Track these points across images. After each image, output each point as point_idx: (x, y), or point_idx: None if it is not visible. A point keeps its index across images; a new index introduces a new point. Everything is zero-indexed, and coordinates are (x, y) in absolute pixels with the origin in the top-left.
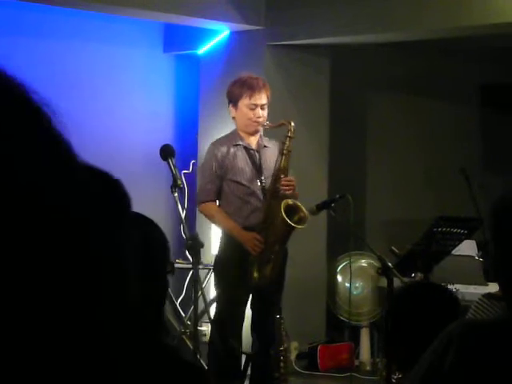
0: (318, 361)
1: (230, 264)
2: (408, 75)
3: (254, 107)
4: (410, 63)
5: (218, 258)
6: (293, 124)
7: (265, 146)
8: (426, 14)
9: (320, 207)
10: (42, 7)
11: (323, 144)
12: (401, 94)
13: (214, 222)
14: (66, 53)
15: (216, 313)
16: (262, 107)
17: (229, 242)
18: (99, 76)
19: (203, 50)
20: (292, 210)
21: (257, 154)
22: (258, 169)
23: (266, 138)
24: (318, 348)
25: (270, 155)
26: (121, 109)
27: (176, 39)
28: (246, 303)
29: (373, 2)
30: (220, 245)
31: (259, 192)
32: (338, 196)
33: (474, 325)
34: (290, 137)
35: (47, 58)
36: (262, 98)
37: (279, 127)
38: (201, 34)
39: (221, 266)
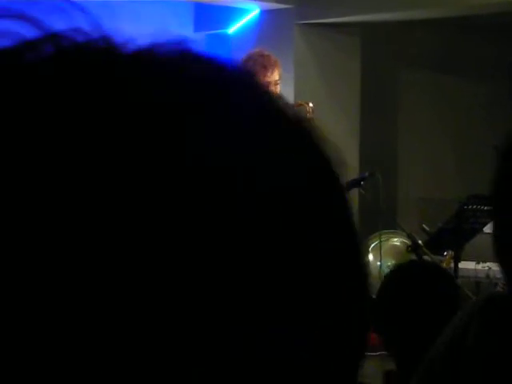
0: None
1: None
2: (439, 54)
3: (267, 84)
4: (440, 41)
5: None
6: (311, 105)
7: None
8: None
9: (350, 185)
10: None
11: (354, 123)
12: (431, 72)
13: None
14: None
15: None
16: (275, 84)
17: None
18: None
19: (233, 29)
20: None
21: None
22: None
23: None
24: None
25: None
26: None
27: (206, 18)
28: None
29: None
30: None
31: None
32: (367, 174)
33: (497, 297)
34: (308, 118)
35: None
36: (275, 76)
37: (297, 107)
38: (231, 13)
39: None
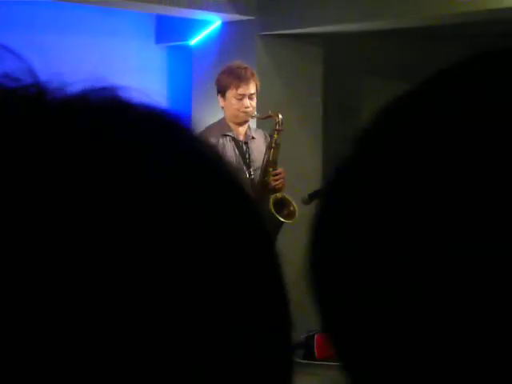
0: (315, 350)
1: None
2: (403, 63)
3: (241, 98)
4: (405, 51)
5: None
6: (280, 116)
7: (252, 138)
8: (419, 1)
9: (313, 196)
10: (34, 1)
11: (317, 134)
12: (396, 82)
13: None
14: (59, 45)
15: None
16: (250, 97)
17: None
18: (92, 67)
19: (195, 40)
20: (281, 204)
21: (245, 146)
22: (246, 161)
23: (254, 128)
24: (315, 337)
25: (258, 147)
26: None
27: (168, 30)
28: None
29: None
30: None
31: (247, 184)
32: None
33: None
34: (278, 130)
35: (40, 51)
36: (250, 88)
37: (267, 119)
38: (192, 25)
39: None
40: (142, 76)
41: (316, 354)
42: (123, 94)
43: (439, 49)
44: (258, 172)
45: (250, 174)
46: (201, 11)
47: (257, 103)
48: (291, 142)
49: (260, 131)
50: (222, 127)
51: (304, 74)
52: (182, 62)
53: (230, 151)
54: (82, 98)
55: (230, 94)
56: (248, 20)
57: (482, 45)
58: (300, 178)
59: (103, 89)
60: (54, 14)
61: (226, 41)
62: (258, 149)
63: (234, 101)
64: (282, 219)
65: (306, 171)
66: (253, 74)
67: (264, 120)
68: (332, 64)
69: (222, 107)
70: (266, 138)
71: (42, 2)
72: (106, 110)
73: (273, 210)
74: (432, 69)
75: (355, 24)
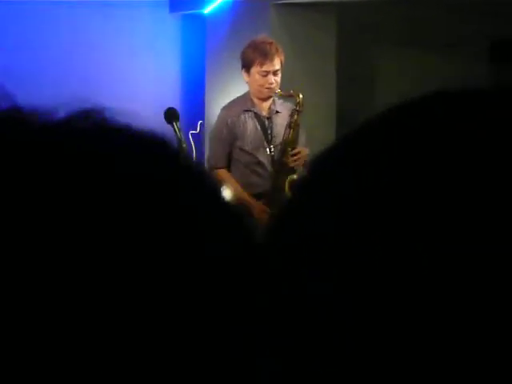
0: None
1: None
2: (416, 31)
3: (265, 74)
4: (417, 19)
5: None
6: (301, 96)
7: (277, 112)
8: None
9: None
10: None
11: (330, 103)
12: (408, 50)
13: (226, 188)
14: (74, 15)
15: None
16: (274, 73)
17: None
18: (105, 37)
19: (209, 9)
20: None
21: (267, 122)
22: (267, 137)
23: (280, 101)
24: None
25: (282, 120)
26: (128, 69)
27: None
28: None
29: None
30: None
31: (267, 161)
32: None
33: None
34: (298, 110)
35: (57, 20)
36: (275, 65)
37: (288, 97)
38: None
39: None
40: (156, 45)
41: None
42: (109, 117)
43: (451, 18)
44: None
45: (270, 151)
46: None
47: None
48: (305, 111)
49: (287, 104)
50: (245, 102)
51: (317, 43)
52: (196, 30)
53: (250, 127)
54: (67, 124)
55: (255, 70)
56: None
57: (494, 14)
58: (313, 149)
59: (90, 112)
60: None
61: (240, 9)
62: (282, 123)
63: (258, 77)
64: None
65: (319, 142)
66: (277, 50)
67: (286, 98)
68: (345, 33)
69: (247, 82)
70: (292, 110)
71: None
72: (90, 136)
73: (289, 194)
74: (447, 38)
75: None
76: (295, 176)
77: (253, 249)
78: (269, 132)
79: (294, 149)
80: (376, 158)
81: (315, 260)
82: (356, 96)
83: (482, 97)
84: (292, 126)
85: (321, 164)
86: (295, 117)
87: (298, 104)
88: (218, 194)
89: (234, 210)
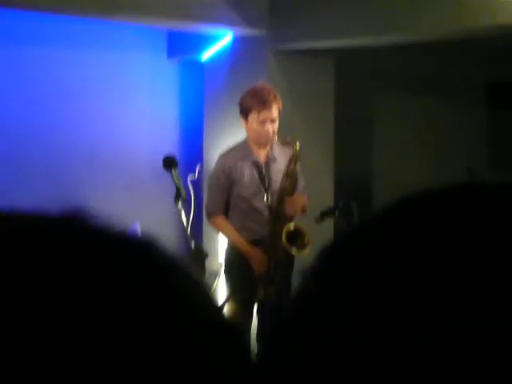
0: None
1: (239, 263)
2: (413, 76)
3: (263, 121)
4: (414, 63)
5: (226, 261)
6: (298, 144)
7: (274, 158)
8: (428, 16)
9: (324, 215)
10: (45, 16)
11: (329, 148)
12: (406, 94)
13: (223, 235)
14: (70, 60)
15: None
16: (272, 121)
17: (237, 252)
18: (104, 82)
19: (207, 55)
20: (296, 234)
21: (264, 169)
22: (264, 184)
23: (278, 145)
24: None
25: (279, 168)
26: (126, 115)
27: (180, 45)
28: (253, 304)
29: (375, 3)
30: (227, 251)
31: (264, 208)
32: (342, 203)
33: None
34: (295, 158)
35: (52, 66)
36: (273, 112)
37: (285, 145)
38: (204, 40)
39: (229, 267)
40: (153, 90)
41: None
42: (92, 219)
43: (447, 62)
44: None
45: (267, 198)
46: (212, 26)
47: None
48: (303, 157)
49: (285, 149)
50: (243, 149)
51: (315, 89)
52: (194, 76)
53: (247, 174)
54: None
55: (253, 117)
56: (259, 35)
57: (489, 58)
58: (312, 193)
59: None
60: (65, 28)
61: (238, 55)
62: (280, 169)
63: (255, 124)
64: (294, 253)
65: (318, 186)
66: (275, 97)
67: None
68: (343, 78)
69: (245, 128)
70: (290, 156)
71: (51, 17)
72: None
73: (285, 243)
74: (444, 82)
75: (365, 38)
76: (292, 224)
77: (249, 368)
78: (266, 179)
79: (291, 197)
80: (377, 254)
81: (316, 358)
82: (354, 141)
83: (484, 194)
84: (289, 174)
85: (324, 259)
86: (292, 165)
87: (294, 152)
88: (210, 311)
89: (227, 326)
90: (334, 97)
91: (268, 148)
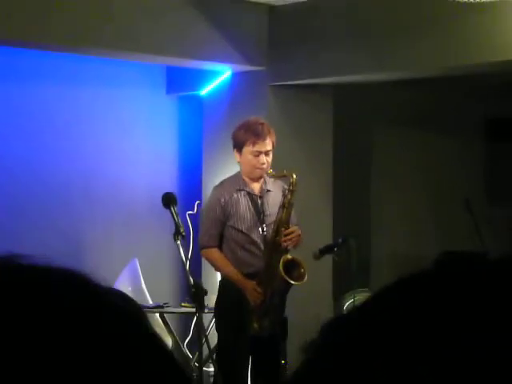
0: None
1: (231, 308)
2: (412, 111)
3: (258, 154)
4: (413, 99)
5: (218, 302)
6: (295, 176)
7: (268, 191)
8: (428, 52)
9: (323, 252)
10: (42, 53)
11: (327, 181)
12: (405, 129)
13: (216, 268)
14: (67, 96)
15: (219, 359)
16: (266, 153)
17: (229, 286)
18: (101, 118)
19: (206, 90)
20: (292, 265)
21: (259, 201)
22: (260, 216)
23: (271, 180)
24: None
25: (273, 200)
26: (124, 150)
27: (179, 80)
28: (248, 347)
29: (374, 41)
30: (219, 289)
31: (260, 240)
32: (340, 240)
33: None
34: (291, 190)
35: (48, 102)
36: (267, 145)
37: (281, 178)
38: (203, 75)
39: (221, 310)
40: (152, 126)
41: None
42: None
43: (446, 97)
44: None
45: (263, 230)
46: (211, 62)
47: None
48: (301, 191)
49: (278, 183)
50: (237, 181)
51: (314, 123)
52: (193, 112)
53: (243, 206)
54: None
55: (247, 150)
56: (258, 70)
57: (489, 93)
58: (310, 227)
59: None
60: (63, 64)
61: (237, 91)
62: (274, 201)
63: (250, 157)
64: (291, 281)
65: (317, 220)
66: (269, 131)
67: (279, 178)
68: (342, 113)
69: (238, 162)
70: (283, 189)
71: (50, 54)
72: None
73: (282, 273)
74: (442, 117)
75: (364, 74)
76: (289, 256)
77: None
78: (261, 211)
79: (287, 228)
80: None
81: None
82: (353, 176)
83: (482, 278)
84: (285, 205)
85: (326, 334)
86: (289, 196)
87: (291, 184)
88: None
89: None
90: (333, 131)
91: (261, 181)
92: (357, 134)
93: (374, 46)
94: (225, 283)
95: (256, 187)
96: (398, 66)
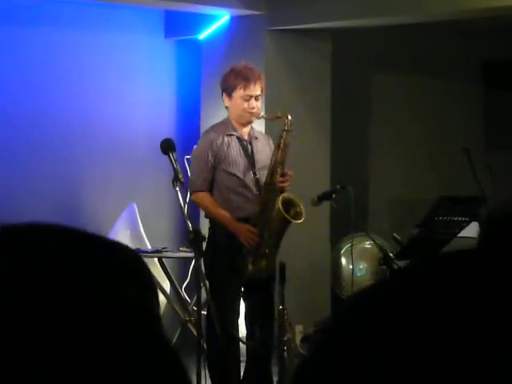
0: None
1: (222, 254)
2: (409, 55)
3: (248, 98)
4: (411, 43)
5: (208, 249)
6: (290, 117)
7: (256, 138)
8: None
9: (321, 198)
10: None
11: (325, 128)
12: (403, 74)
13: (208, 212)
14: (66, 41)
15: (210, 305)
16: (256, 98)
17: (219, 232)
18: (101, 63)
19: (204, 34)
20: (289, 204)
21: (249, 146)
22: (250, 160)
23: (257, 129)
24: None
25: (261, 147)
26: (123, 95)
27: (177, 25)
28: (240, 293)
29: None
30: (209, 235)
31: (252, 184)
32: (338, 187)
33: None
34: (286, 130)
35: (47, 47)
36: (257, 89)
37: (275, 119)
38: (201, 19)
39: (212, 257)
40: (151, 70)
41: None
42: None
43: (443, 41)
44: (262, 171)
45: (254, 174)
46: (209, 6)
47: (265, 98)
48: (299, 137)
49: (262, 133)
50: (226, 126)
51: (312, 69)
52: (191, 56)
53: (235, 150)
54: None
55: (237, 94)
56: (257, 15)
57: (486, 36)
58: (308, 173)
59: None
60: (61, 8)
61: (235, 35)
62: (262, 149)
63: (240, 101)
64: (290, 218)
65: (315, 166)
66: (259, 76)
67: (272, 120)
68: (340, 58)
69: (227, 107)
70: (268, 140)
71: None
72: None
73: (281, 209)
74: (439, 61)
75: (363, 20)
76: (286, 195)
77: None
78: (251, 155)
79: (282, 169)
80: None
81: None
82: (351, 121)
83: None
84: (281, 146)
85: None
86: (284, 136)
87: (286, 124)
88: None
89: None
90: (331, 77)
91: (249, 127)
92: (355, 80)
93: None
94: (215, 229)
95: (245, 132)
96: (396, 11)
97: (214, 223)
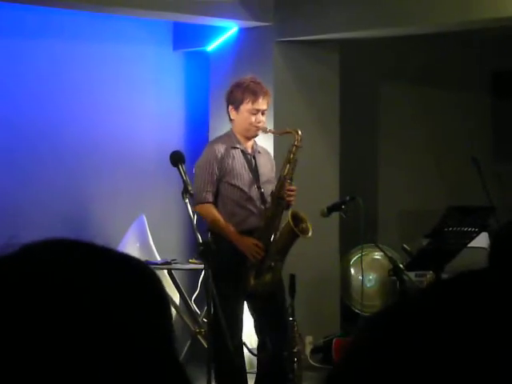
0: (333, 354)
1: (225, 267)
2: (418, 66)
3: (255, 112)
4: (419, 54)
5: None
6: (300, 133)
7: (258, 152)
8: (435, 8)
9: (330, 209)
10: (50, 9)
11: (334, 139)
12: (411, 85)
13: (213, 224)
14: (75, 53)
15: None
16: (262, 113)
17: (223, 244)
18: (109, 75)
19: (212, 46)
20: (297, 219)
21: (253, 160)
22: (255, 174)
23: (259, 145)
24: (333, 341)
25: (264, 161)
26: (131, 107)
27: (185, 37)
28: (243, 306)
29: None
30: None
31: (256, 197)
32: (348, 198)
33: None
34: (296, 146)
35: (55, 59)
36: (264, 104)
37: (284, 134)
38: (210, 31)
39: (216, 270)
40: (159, 82)
41: (334, 359)
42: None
43: (452, 51)
44: (266, 185)
45: (259, 187)
46: (218, 18)
47: (273, 109)
48: (307, 149)
49: (263, 148)
50: (230, 139)
51: (321, 80)
52: (200, 67)
53: (239, 163)
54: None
55: (245, 107)
56: (265, 26)
57: (495, 46)
58: (317, 184)
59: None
60: (70, 21)
61: (243, 47)
62: (264, 163)
63: (247, 115)
64: (298, 232)
65: (324, 177)
66: (267, 92)
67: (278, 136)
68: (348, 70)
69: (232, 120)
70: (269, 155)
71: (56, 11)
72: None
73: (291, 223)
74: (449, 72)
75: (371, 30)
76: (295, 210)
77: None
78: (255, 169)
79: (290, 184)
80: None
81: None
82: (359, 133)
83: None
84: (290, 160)
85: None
86: (294, 152)
87: (296, 140)
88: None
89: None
90: (340, 88)
91: (252, 141)
92: (363, 91)
93: (380, 1)
94: (218, 242)
95: (249, 146)
96: (404, 22)
97: (218, 235)
